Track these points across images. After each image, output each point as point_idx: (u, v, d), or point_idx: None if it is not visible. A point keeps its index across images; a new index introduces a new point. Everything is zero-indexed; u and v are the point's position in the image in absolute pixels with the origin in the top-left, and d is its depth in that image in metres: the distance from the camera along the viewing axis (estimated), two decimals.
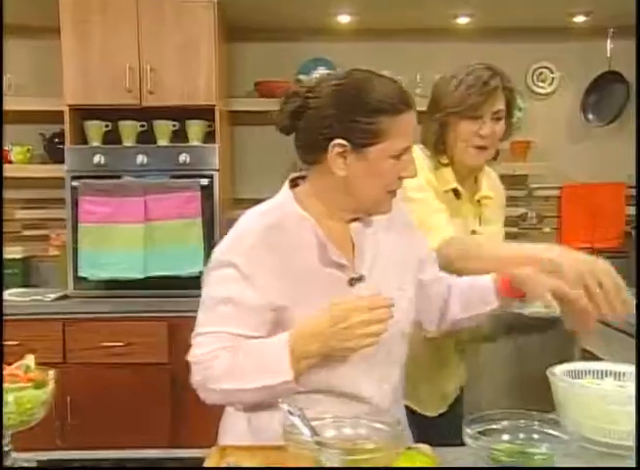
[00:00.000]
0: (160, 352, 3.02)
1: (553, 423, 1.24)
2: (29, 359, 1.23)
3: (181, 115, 3.16)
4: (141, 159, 3.03)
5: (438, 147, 1.83)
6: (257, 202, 4.15)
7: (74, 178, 3.02)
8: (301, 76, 3.55)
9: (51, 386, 1.20)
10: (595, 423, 1.28)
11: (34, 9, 3.07)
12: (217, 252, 1.38)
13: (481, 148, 1.80)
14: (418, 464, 1.01)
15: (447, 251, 1.61)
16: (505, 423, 1.24)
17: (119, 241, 2.99)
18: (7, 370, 1.20)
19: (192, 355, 1.31)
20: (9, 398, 1.14)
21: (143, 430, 2.87)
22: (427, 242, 1.57)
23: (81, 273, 3.03)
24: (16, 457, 1.19)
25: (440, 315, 1.55)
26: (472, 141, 1.79)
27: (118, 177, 3.04)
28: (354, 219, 1.42)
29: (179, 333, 3.05)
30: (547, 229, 3.75)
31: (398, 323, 1.33)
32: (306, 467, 1.03)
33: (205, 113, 3.14)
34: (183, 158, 3.04)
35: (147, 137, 3.20)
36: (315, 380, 1.30)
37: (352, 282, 1.36)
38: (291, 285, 1.32)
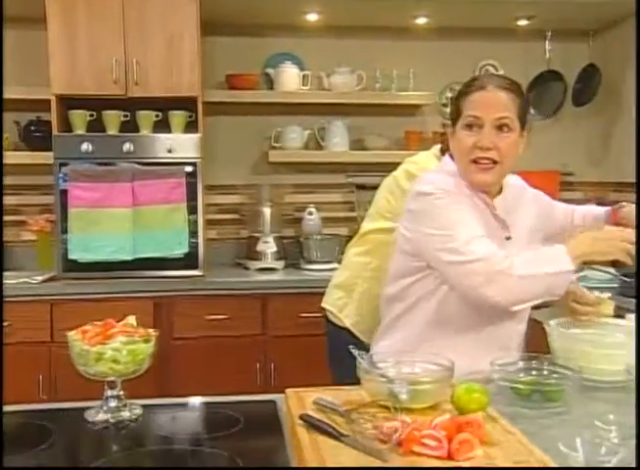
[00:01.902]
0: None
1: (556, 364, 1.56)
2: (132, 319, 1.44)
3: (164, 105, 3.32)
4: (127, 146, 3.19)
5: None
6: (228, 188, 4.48)
7: (62, 165, 3.14)
8: (268, 70, 3.80)
9: (154, 341, 1.42)
10: (583, 364, 1.59)
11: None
12: (422, 192, 1.69)
13: None
14: (475, 394, 1.29)
15: None
16: (520, 363, 1.54)
17: (108, 225, 3.15)
18: (117, 327, 1.40)
19: (480, 253, 1.58)
20: (124, 350, 1.35)
21: None
22: (535, 193, 1.93)
23: (71, 256, 3.16)
24: (128, 402, 1.40)
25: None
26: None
27: (105, 164, 3.18)
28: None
29: (164, 311, 3.25)
30: None
31: None
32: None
33: (186, 103, 3.31)
34: (168, 146, 3.22)
35: (130, 126, 3.35)
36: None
37: (507, 239, 1.73)
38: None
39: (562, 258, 1.59)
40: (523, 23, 3.81)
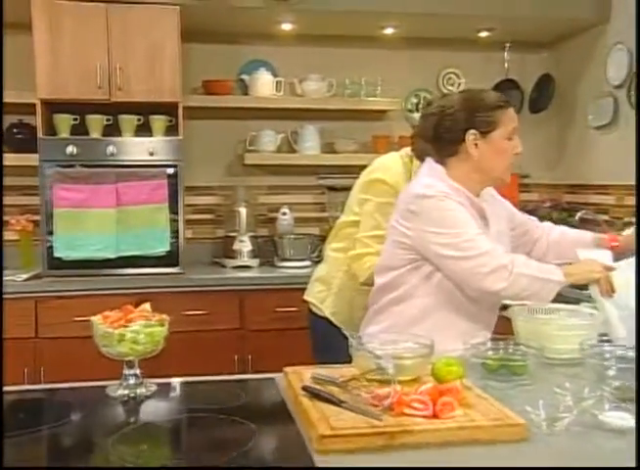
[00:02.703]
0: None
1: (520, 344, 1.77)
2: (147, 306, 1.60)
3: (145, 109, 3.46)
4: (111, 149, 3.32)
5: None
6: (204, 189, 4.69)
7: (48, 167, 3.26)
8: (243, 76, 3.97)
9: (167, 325, 1.58)
10: (543, 343, 1.80)
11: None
12: (423, 195, 1.89)
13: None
14: (452, 367, 1.49)
15: None
16: (489, 344, 1.75)
17: (93, 224, 3.28)
18: (135, 313, 1.57)
19: (485, 248, 1.82)
20: (142, 333, 1.52)
21: None
22: (503, 201, 2.15)
23: (56, 254, 3.28)
24: (145, 381, 1.57)
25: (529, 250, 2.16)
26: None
27: (89, 166, 3.31)
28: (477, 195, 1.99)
29: None
30: None
31: None
32: None
33: (167, 108, 3.46)
34: (150, 149, 3.36)
35: (112, 130, 3.49)
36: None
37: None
38: None
39: (555, 270, 1.85)
40: (483, 34, 4.06)
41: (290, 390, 1.53)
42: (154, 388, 1.57)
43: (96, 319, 1.54)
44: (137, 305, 1.64)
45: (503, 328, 1.99)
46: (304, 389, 1.44)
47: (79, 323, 3.26)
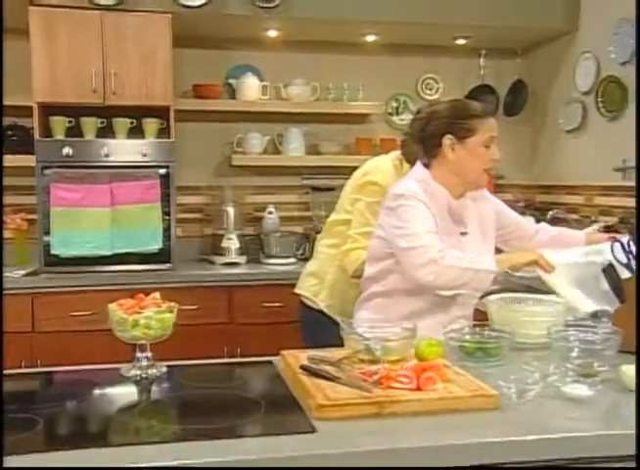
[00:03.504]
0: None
1: (494, 330, 1.95)
2: (157, 295, 1.76)
3: (137, 113, 3.61)
4: (105, 151, 3.47)
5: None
6: (193, 189, 4.89)
7: (45, 168, 3.40)
8: (230, 80, 4.11)
9: (176, 312, 1.74)
10: (515, 329, 1.99)
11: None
12: (397, 194, 2.08)
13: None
14: (433, 347, 1.67)
15: None
16: (467, 329, 1.93)
17: (89, 223, 3.42)
18: (147, 300, 1.72)
19: (422, 242, 1.98)
20: (154, 319, 1.67)
21: None
22: (495, 201, 2.33)
23: (53, 251, 3.42)
24: (155, 363, 1.72)
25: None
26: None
27: (85, 167, 3.45)
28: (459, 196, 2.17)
29: None
30: None
31: None
32: None
33: (159, 111, 3.61)
34: (143, 151, 3.51)
35: (106, 132, 3.63)
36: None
37: (462, 234, 2.13)
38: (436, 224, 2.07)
39: (487, 260, 2.03)
40: (460, 42, 4.25)
41: (288, 369, 1.70)
42: (164, 369, 1.73)
43: (112, 306, 1.69)
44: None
45: (481, 316, 2.18)
46: (302, 367, 1.61)
47: (75, 318, 3.45)
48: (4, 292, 3.33)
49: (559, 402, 1.52)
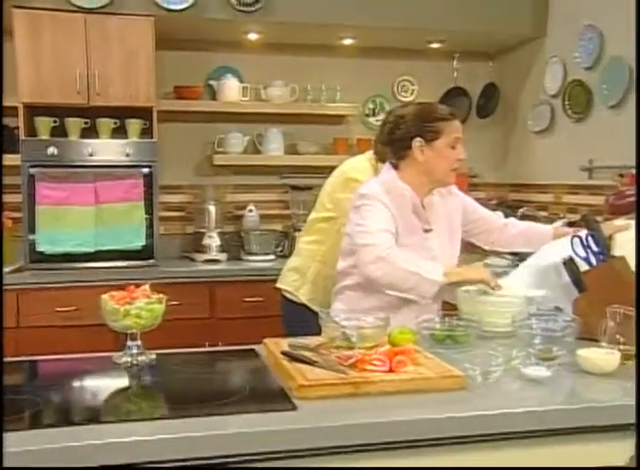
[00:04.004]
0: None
1: (463, 319, 2.09)
2: (147, 286, 1.87)
3: (121, 113, 3.70)
4: (90, 150, 3.56)
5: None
6: (175, 188, 5.01)
7: (31, 167, 3.48)
8: (211, 82, 4.21)
9: (164, 303, 1.85)
10: (482, 318, 2.12)
11: None
12: (361, 193, 2.22)
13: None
14: (406, 335, 1.80)
15: None
16: (437, 318, 2.06)
17: (73, 220, 3.51)
18: (137, 292, 1.83)
19: (373, 240, 2.11)
20: (145, 309, 1.78)
21: None
22: (463, 197, 2.46)
23: (39, 248, 3.50)
24: (145, 352, 1.83)
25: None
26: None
27: (69, 167, 3.54)
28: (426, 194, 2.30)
29: None
30: None
31: (445, 260, 2.23)
32: None
33: (142, 112, 3.70)
34: (126, 151, 3.61)
35: (90, 132, 3.71)
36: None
37: (426, 231, 2.25)
38: (397, 223, 2.20)
39: (437, 270, 2.14)
40: (434, 45, 4.39)
41: (270, 356, 1.82)
42: (153, 356, 1.83)
43: (105, 297, 1.79)
44: None
45: (449, 308, 2.31)
46: (283, 353, 1.73)
47: (59, 313, 3.53)
48: None
49: (520, 382, 1.66)
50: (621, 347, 1.78)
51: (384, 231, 2.15)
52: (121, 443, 1.30)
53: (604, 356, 1.74)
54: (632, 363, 1.76)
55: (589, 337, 1.88)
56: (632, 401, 1.53)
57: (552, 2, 4.06)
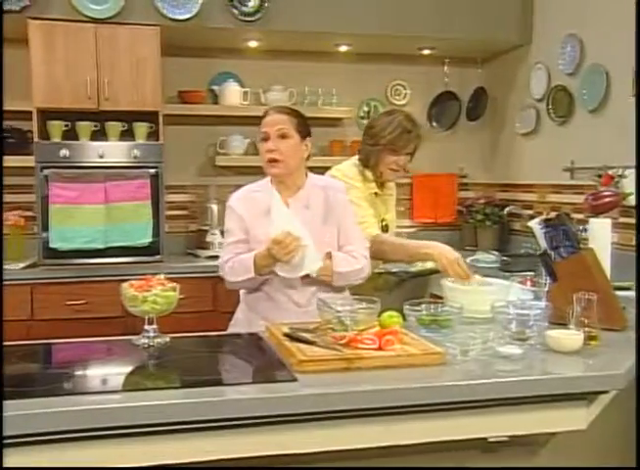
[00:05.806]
0: (115, 308, 3.76)
1: (447, 305, 2.30)
2: (162, 276, 2.08)
3: (129, 117, 3.91)
4: (100, 152, 3.76)
5: (370, 166, 2.88)
6: (179, 188, 5.28)
7: (44, 168, 3.69)
8: (214, 87, 4.43)
9: (178, 290, 2.06)
10: (464, 305, 2.33)
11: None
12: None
13: (396, 171, 2.87)
14: (394, 318, 2.01)
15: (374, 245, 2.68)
16: (423, 305, 2.27)
17: (84, 219, 3.71)
18: (154, 281, 2.03)
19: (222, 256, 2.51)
20: (161, 295, 1.99)
21: None
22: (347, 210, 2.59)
23: (52, 245, 3.71)
24: (160, 334, 2.04)
25: None
26: (391, 166, 2.84)
27: (80, 168, 3.74)
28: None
29: None
30: (402, 208, 4.87)
31: None
32: None
33: (148, 116, 3.91)
34: (134, 152, 3.81)
35: (99, 135, 3.92)
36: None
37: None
38: (251, 224, 2.46)
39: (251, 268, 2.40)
40: (426, 52, 4.61)
41: (272, 337, 2.03)
42: (168, 339, 2.05)
43: (125, 285, 2.00)
44: None
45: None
46: (285, 335, 1.95)
47: (70, 307, 3.74)
48: (4, 283, 3.61)
49: (495, 359, 1.88)
50: (586, 329, 1.99)
51: (233, 242, 2.53)
52: (155, 405, 1.52)
53: (570, 337, 1.96)
54: (595, 343, 1.98)
55: (560, 321, 2.09)
56: (592, 374, 1.75)
57: (537, 12, 4.28)
